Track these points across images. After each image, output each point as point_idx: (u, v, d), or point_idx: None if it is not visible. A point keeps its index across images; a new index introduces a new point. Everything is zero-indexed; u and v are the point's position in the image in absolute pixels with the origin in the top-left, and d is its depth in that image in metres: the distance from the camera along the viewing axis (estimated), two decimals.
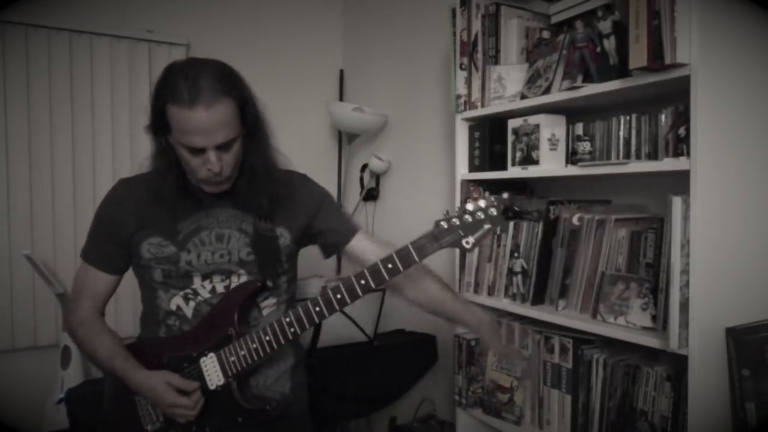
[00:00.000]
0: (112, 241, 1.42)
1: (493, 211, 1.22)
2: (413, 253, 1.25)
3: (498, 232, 1.83)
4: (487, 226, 1.22)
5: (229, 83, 1.28)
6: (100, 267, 1.45)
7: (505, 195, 1.23)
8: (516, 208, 1.22)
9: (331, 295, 1.29)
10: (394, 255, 1.25)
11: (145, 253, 1.38)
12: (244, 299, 1.39)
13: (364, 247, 1.50)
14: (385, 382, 2.54)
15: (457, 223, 1.23)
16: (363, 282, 1.27)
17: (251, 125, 1.34)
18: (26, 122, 2.58)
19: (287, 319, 1.32)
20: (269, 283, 1.41)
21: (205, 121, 1.23)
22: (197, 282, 1.40)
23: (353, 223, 1.56)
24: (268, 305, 1.45)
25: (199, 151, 1.28)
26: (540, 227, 1.82)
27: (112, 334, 1.43)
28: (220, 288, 1.40)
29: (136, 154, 2.77)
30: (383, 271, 1.26)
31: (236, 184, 1.39)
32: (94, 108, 2.70)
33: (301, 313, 1.32)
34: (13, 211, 2.58)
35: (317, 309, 1.31)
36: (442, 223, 1.24)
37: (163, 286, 1.40)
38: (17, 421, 2.52)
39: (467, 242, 1.23)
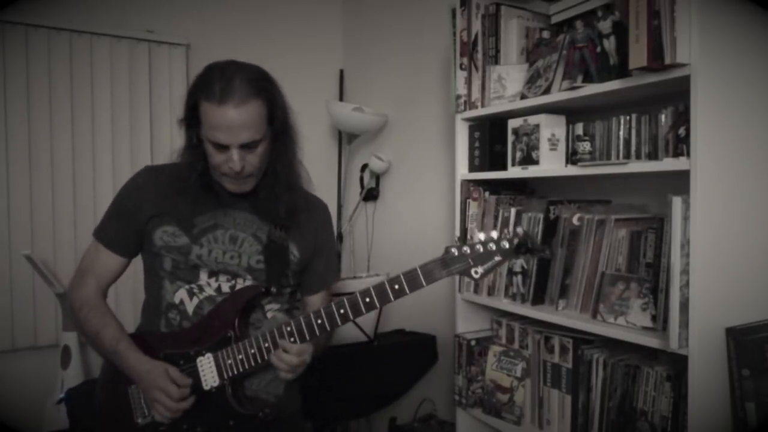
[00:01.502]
0: (127, 223, 1.43)
1: (506, 245, 1.21)
2: (421, 277, 1.24)
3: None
4: (497, 258, 1.21)
5: (261, 85, 1.31)
6: (112, 247, 1.45)
7: (520, 230, 1.22)
8: (530, 245, 1.21)
9: (334, 310, 1.30)
10: (402, 276, 1.25)
11: (158, 240, 1.39)
12: (246, 303, 1.39)
13: (315, 303, 1.53)
14: (385, 382, 2.54)
15: (468, 251, 1.22)
16: (368, 300, 1.28)
17: (279, 130, 1.36)
18: (26, 122, 2.58)
19: (288, 329, 1.33)
20: (273, 290, 1.42)
21: (232, 119, 1.26)
22: (203, 278, 1.40)
23: (332, 277, 1.59)
24: (272, 310, 1.46)
25: (224, 148, 1.30)
26: (540, 227, 1.82)
27: (115, 318, 1.44)
28: (225, 288, 1.41)
29: (136, 154, 2.78)
30: (389, 292, 1.26)
31: (258, 187, 1.41)
32: (94, 108, 2.70)
33: (303, 324, 1.32)
34: (13, 211, 2.58)
35: (319, 322, 1.31)
36: (453, 250, 1.23)
37: (170, 276, 1.41)
38: (17, 421, 2.53)
39: (476, 272, 1.22)
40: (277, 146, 1.39)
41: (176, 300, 1.41)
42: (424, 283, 1.24)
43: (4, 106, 2.55)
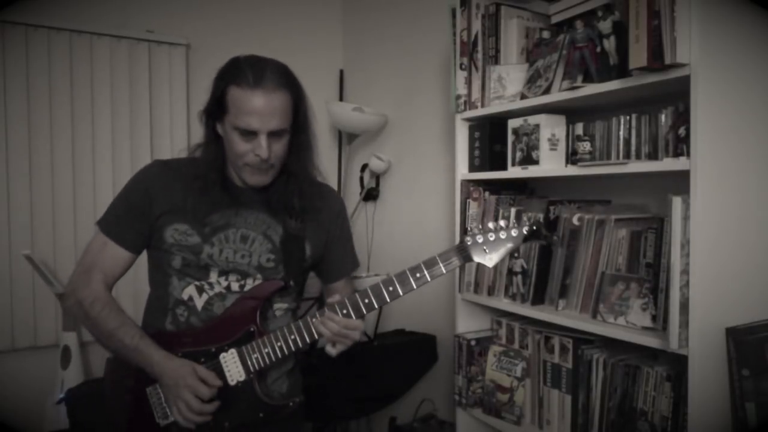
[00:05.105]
0: (137, 218, 1.39)
1: (515, 233, 1.29)
2: (441, 265, 1.30)
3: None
4: (510, 245, 1.30)
5: (289, 79, 1.35)
6: (120, 242, 1.40)
7: (530, 216, 1.30)
8: (542, 233, 1.29)
9: (359, 300, 1.32)
10: (422, 265, 1.31)
11: (169, 237, 1.38)
12: (266, 298, 1.40)
13: (338, 290, 1.55)
14: (385, 382, 2.54)
15: (481, 240, 1.30)
16: (391, 289, 1.31)
17: (300, 125, 1.38)
18: (26, 122, 2.58)
19: (314, 320, 1.34)
20: (291, 284, 1.42)
21: (264, 104, 1.29)
22: (213, 276, 1.39)
23: (349, 265, 1.61)
24: (280, 308, 1.46)
25: (251, 135, 1.31)
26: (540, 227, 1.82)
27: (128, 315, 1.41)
28: (235, 287, 1.40)
29: (136, 154, 2.78)
30: (411, 280, 1.31)
31: (272, 184, 1.41)
32: (94, 108, 2.71)
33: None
34: (13, 211, 2.58)
35: (344, 312, 1.33)
36: (468, 239, 1.30)
37: (179, 273, 1.39)
38: (17, 421, 2.53)
39: (491, 259, 1.30)
40: (296, 142, 1.40)
41: (185, 296, 1.39)
42: (443, 270, 1.31)
43: (4, 106, 2.55)
